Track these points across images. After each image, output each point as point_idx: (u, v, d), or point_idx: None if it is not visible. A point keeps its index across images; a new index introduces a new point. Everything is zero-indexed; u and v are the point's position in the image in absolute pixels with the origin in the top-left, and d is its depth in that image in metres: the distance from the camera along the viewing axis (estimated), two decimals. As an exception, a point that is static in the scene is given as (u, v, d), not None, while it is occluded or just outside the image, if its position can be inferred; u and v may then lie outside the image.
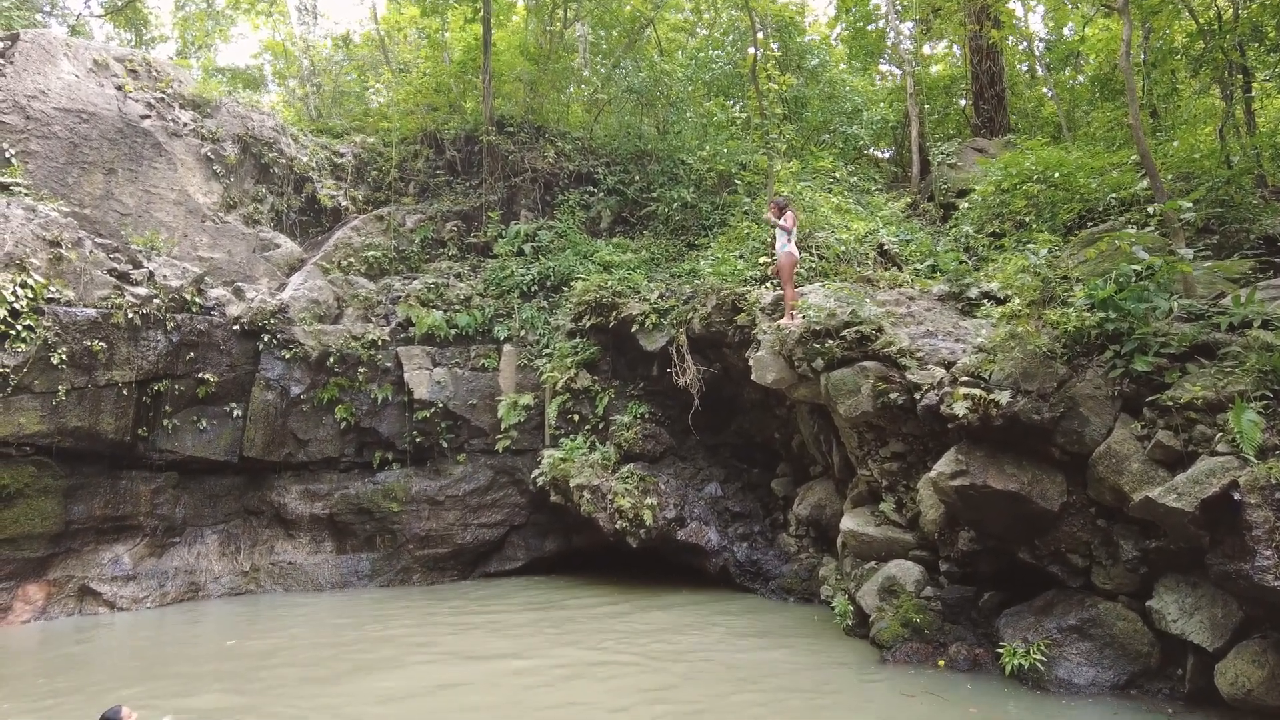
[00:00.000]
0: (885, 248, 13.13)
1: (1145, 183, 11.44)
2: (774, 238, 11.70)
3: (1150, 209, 10.62)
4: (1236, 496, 6.00)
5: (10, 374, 10.83)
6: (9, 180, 12.64)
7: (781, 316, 10.96)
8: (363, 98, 22.42)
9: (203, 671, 8.53)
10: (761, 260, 12.90)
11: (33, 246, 11.56)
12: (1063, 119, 19.12)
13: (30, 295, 11.18)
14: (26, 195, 12.55)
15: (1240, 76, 14.16)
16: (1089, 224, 11.98)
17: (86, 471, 11.83)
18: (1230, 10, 14.09)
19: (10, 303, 10.92)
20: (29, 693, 7.84)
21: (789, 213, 11.44)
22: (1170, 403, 6.86)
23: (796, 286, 11.74)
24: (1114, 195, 12.25)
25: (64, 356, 11.29)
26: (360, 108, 21.49)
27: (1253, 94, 14.43)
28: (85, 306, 11.77)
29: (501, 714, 7.04)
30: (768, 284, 12.28)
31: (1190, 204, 9.26)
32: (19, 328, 10.97)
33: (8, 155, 12.96)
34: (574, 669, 8.32)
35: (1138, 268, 7.75)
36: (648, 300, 13.27)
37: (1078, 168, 12.88)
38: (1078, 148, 14.81)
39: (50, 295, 11.47)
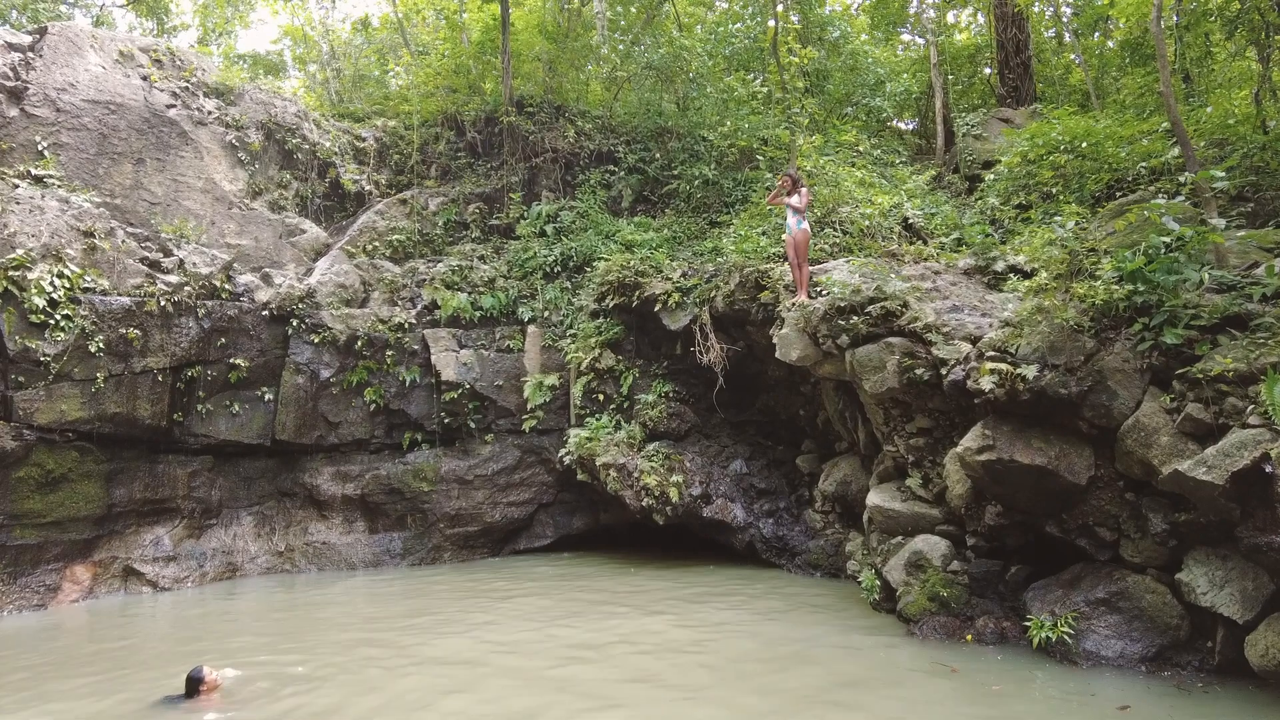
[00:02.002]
0: (910, 221, 13.01)
1: (1176, 151, 11.19)
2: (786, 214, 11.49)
3: (1182, 178, 10.39)
4: (1268, 469, 5.95)
5: (51, 362, 11.14)
6: (42, 173, 12.90)
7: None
8: (383, 81, 22.52)
9: (251, 642, 8.80)
10: (784, 237, 12.83)
11: (68, 237, 11.83)
12: (1091, 86, 18.68)
13: (67, 285, 11.46)
14: (60, 187, 12.81)
15: (1278, 38, 13.75)
16: (1118, 194, 11.75)
17: (126, 456, 12.18)
18: (1267, -31, 13.64)
19: (49, 293, 11.21)
20: (90, 665, 8.14)
21: (802, 189, 11.27)
22: (1200, 375, 6.78)
23: (820, 263, 11.67)
24: (1144, 164, 12.00)
25: (101, 344, 11.58)
26: (380, 91, 21.55)
27: (1290, 56, 14.02)
28: (120, 295, 12.03)
29: (533, 680, 7.21)
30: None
31: (1223, 172, 9.02)
32: (58, 317, 11.26)
33: (40, 148, 13.21)
34: (601, 641, 8.47)
35: (1168, 239, 7.62)
36: (670, 279, 13.29)
37: (1106, 137, 12.61)
38: (1106, 116, 14.49)
39: (86, 285, 11.74)
